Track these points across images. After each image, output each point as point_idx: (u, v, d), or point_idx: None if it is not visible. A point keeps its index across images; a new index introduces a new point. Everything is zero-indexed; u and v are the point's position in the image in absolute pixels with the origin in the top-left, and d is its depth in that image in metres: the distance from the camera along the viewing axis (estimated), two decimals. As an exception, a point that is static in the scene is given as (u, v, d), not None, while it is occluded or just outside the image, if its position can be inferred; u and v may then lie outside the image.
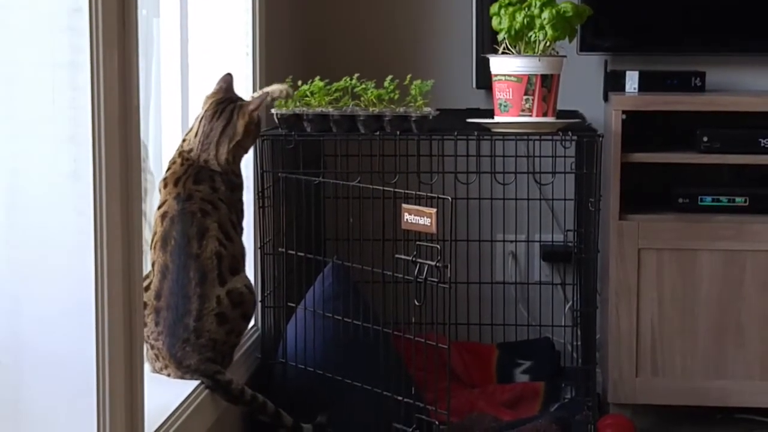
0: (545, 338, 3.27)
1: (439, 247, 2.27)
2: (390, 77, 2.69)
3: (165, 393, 2.23)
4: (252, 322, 2.70)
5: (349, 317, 2.59)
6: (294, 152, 2.69)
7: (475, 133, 2.70)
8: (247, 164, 2.62)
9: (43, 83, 1.69)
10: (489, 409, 2.85)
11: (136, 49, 1.82)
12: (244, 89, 2.67)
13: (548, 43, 2.71)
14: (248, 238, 2.61)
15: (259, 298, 2.71)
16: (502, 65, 2.73)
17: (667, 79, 3.17)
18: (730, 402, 2.96)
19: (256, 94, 2.62)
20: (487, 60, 2.78)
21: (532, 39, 2.71)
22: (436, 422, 2.37)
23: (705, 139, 2.94)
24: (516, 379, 3.15)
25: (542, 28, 2.69)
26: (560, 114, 2.79)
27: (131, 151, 1.82)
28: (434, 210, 2.26)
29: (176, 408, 2.17)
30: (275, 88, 2.61)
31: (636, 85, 3.15)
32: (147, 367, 2.33)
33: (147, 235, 2.40)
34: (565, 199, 3.12)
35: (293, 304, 2.72)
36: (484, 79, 3.10)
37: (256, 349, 2.74)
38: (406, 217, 2.31)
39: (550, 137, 2.72)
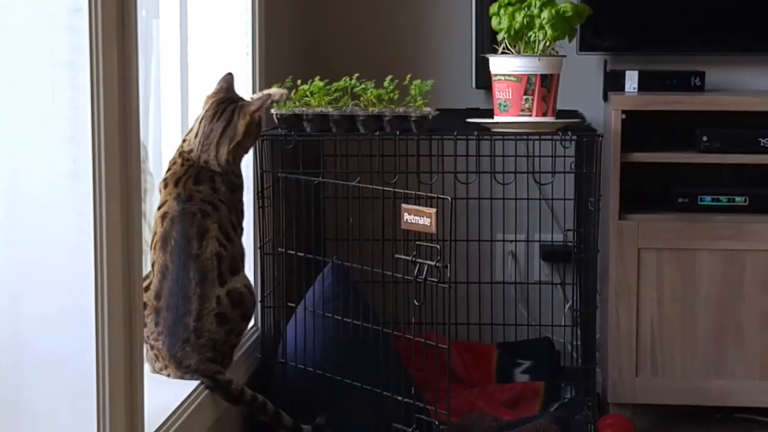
0: (545, 338, 3.27)
1: (438, 247, 2.27)
2: (390, 77, 2.69)
3: (165, 393, 2.23)
4: (252, 322, 2.70)
5: (349, 317, 2.59)
6: (294, 152, 2.69)
7: (475, 133, 2.70)
8: (247, 164, 2.62)
9: (43, 83, 1.69)
10: (489, 408, 2.85)
11: (136, 50, 1.82)
12: (243, 89, 2.67)
13: (548, 43, 2.71)
14: (248, 238, 2.61)
15: (259, 298, 2.71)
16: (501, 65, 2.73)
17: (666, 79, 3.17)
18: (729, 402, 2.96)
19: (257, 95, 2.62)
20: (487, 60, 2.78)
21: (532, 39, 2.71)
22: (436, 422, 2.37)
23: (705, 138, 2.94)
24: (516, 379, 3.15)
25: (542, 27, 2.69)
26: (560, 114, 2.80)
27: (131, 151, 1.82)
28: (434, 210, 2.26)
29: (176, 408, 2.17)
30: (276, 91, 2.61)
31: (635, 85, 3.16)
32: (147, 367, 2.33)
33: (146, 235, 2.40)
34: (564, 199, 3.12)
35: (293, 304, 2.72)
36: (484, 79, 3.10)
37: (256, 349, 2.74)
38: (405, 217, 2.31)
39: (549, 137, 2.72)
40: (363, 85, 2.69)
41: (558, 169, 2.88)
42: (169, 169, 2.46)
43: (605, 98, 3.18)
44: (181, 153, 2.47)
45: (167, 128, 2.70)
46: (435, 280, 2.28)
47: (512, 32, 2.71)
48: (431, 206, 2.29)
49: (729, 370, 2.94)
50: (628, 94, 3.11)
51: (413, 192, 2.41)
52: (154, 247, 2.40)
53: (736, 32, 3.28)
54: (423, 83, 2.67)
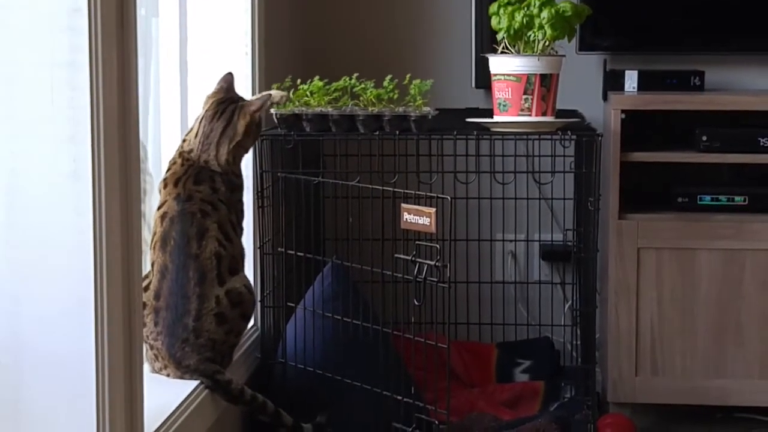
0: (545, 338, 3.27)
1: (438, 246, 2.27)
2: (389, 77, 2.69)
3: (164, 393, 2.23)
4: (251, 322, 2.70)
5: (349, 317, 2.59)
6: (293, 152, 2.69)
7: (475, 132, 2.70)
8: (247, 164, 2.62)
9: (43, 83, 1.70)
10: (488, 408, 2.85)
11: (135, 49, 1.82)
12: (243, 89, 2.67)
13: (547, 43, 2.71)
14: (248, 238, 2.61)
15: (259, 298, 2.71)
16: (501, 65, 2.73)
17: (666, 79, 3.17)
18: (729, 401, 2.96)
19: (257, 96, 2.61)
20: (487, 59, 2.78)
21: (531, 38, 2.71)
22: (436, 422, 2.37)
23: (704, 138, 2.94)
24: (515, 379, 3.15)
25: (541, 27, 2.69)
26: (559, 113, 2.80)
27: (130, 151, 1.82)
28: (434, 209, 2.26)
29: (176, 408, 2.17)
30: (276, 93, 2.61)
31: (635, 85, 3.16)
32: (146, 367, 2.33)
33: (146, 235, 2.40)
34: (564, 199, 3.12)
35: (293, 304, 2.72)
36: (484, 79, 3.10)
37: (256, 348, 2.74)
38: (405, 217, 2.31)
39: (549, 137, 2.72)
40: (362, 85, 2.69)
41: (558, 168, 2.88)
42: (168, 169, 2.46)
43: (605, 98, 3.18)
44: (181, 153, 2.47)
45: (167, 128, 2.70)
46: (435, 279, 2.28)
47: (512, 32, 2.71)
48: (431, 206, 2.29)
49: (729, 370, 2.94)
50: (628, 94, 3.11)
51: (413, 192, 2.41)
52: (154, 247, 2.40)
53: (736, 32, 3.28)
54: (422, 83, 2.67)
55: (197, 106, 2.57)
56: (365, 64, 3.14)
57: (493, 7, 2.75)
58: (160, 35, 2.68)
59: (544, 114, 2.72)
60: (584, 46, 3.24)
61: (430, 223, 2.27)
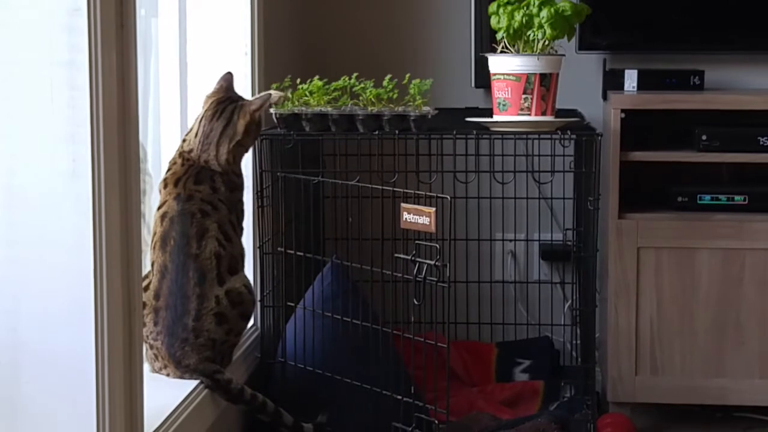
0: (544, 337, 3.27)
1: (438, 246, 2.27)
2: (389, 76, 2.69)
3: (164, 393, 2.24)
4: (251, 322, 2.70)
5: (349, 316, 2.59)
6: (293, 152, 2.69)
7: (474, 132, 2.70)
8: (247, 164, 2.62)
9: (42, 82, 1.70)
10: (488, 408, 2.85)
11: (135, 49, 1.82)
12: (243, 89, 2.67)
13: (547, 42, 2.71)
14: (247, 238, 2.61)
15: (259, 298, 2.71)
16: (500, 64, 2.73)
17: (666, 78, 3.17)
18: (729, 401, 2.96)
19: (258, 95, 2.61)
20: (486, 59, 2.78)
21: (531, 38, 2.71)
22: (436, 421, 2.38)
23: (704, 137, 2.94)
24: (515, 378, 3.15)
25: (541, 26, 2.69)
26: (559, 113, 2.80)
27: (130, 150, 1.82)
28: (433, 209, 2.26)
29: (176, 408, 2.17)
30: (274, 93, 2.61)
31: (635, 84, 3.15)
32: (146, 366, 2.33)
33: (145, 236, 2.40)
34: (564, 198, 3.12)
35: (292, 304, 2.72)
36: (483, 78, 3.10)
37: (256, 348, 2.74)
38: (405, 216, 2.31)
39: (549, 136, 2.72)
40: (362, 85, 2.69)
41: (557, 168, 2.88)
42: (169, 169, 2.46)
43: (604, 97, 3.18)
44: (181, 153, 2.47)
45: (166, 128, 2.70)
46: (434, 279, 2.28)
47: (511, 31, 2.71)
48: (431, 205, 2.29)
49: (728, 369, 2.94)
50: (628, 93, 3.11)
51: (413, 191, 2.41)
52: (154, 247, 2.40)
53: (736, 31, 3.28)
54: (422, 82, 2.67)
55: (197, 106, 2.57)
56: (365, 64, 3.14)
57: (493, 7, 2.75)
58: (160, 35, 2.68)
59: (543, 113, 2.72)
60: (584, 46, 3.24)
61: (430, 222, 2.27)
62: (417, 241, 2.31)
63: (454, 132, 2.69)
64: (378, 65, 3.11)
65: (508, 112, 2.73)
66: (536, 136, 2.75)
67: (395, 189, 2.48)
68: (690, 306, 2.93)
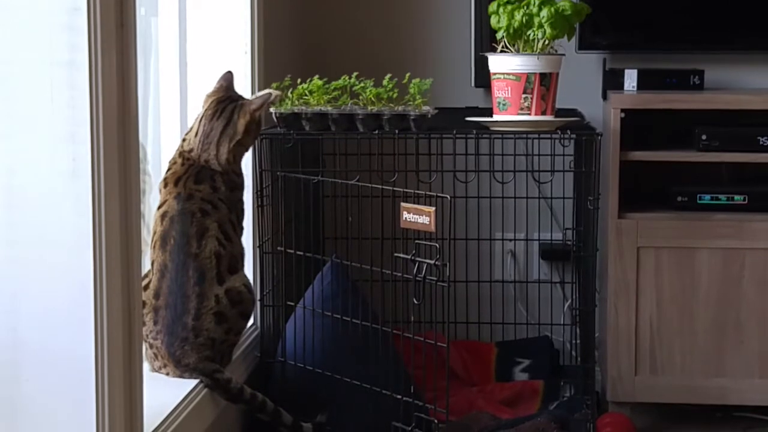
0: (544, 337, 3.27)
1: (438, 245, 2.27)
2: (389, 76, 2.69)
3: (164, 392, 2.24)
4: (251, 321, 2.70)
5: (348, 316, 2.59)
6: (293, 151, 2.69)
7: (474, 131, 2.70)
8: (246, 163, 2.62)
9: (42, 82, 1.69)
10: (488, 407, 2.85)
11: (135, 48, 1.82)
12: (242, 88, 2.67)
13: (547, 42, 2.71)
14: (247, 237, 2.61)
15: (258, 297, 2.71)
16: (500, 64, 2.73)
17: (665, 77, 3.17)
18: (729, 400, 2.96)
19: (258, 94, 2.61)
20: (486, 58, 2.78)
21: (531, 37, 2.71)
22: (435, 421, 2.38)
23: (704, 137, 2.94)
24: (515, 378, 3.15)
25: (541, 26, 2.69)
26: (559, 112, 2.79)
27: (130, 150, 1.82)
28: (433, 208, 2.26)
29: (175, 407, 2.17)
30: (273, 93, 2.61)
31: (635, 84, 3.15)
32: (146, 366, 2.33)
33: (144, 236, 2.39)
34: (563, 198, 3.12)
35: (292, 303, 2.72)
36: (483, 78, 3.10)
37: (255, 347, 2.74)
38: (405, 216, 2.31)
39: (548, 136, 2.72)
40: (362, 84, 2.69)
41: (557, 167, 2.88)
42: (169, 169, 2.46)
43: (604, 97, 3.18)
44: (181, 153, 2.47)
45: (166, 127, 2.70)
46: (434, 278, 2.28)
47: (511, 31, 2.71)
48: (430, 205, 2.29)
49: (728, 369, 2.94)
50: (627, 93, 3.11)
51: (412, 190, 2.41)
52: (154, 246, 2.40)
53: (736, 30, 3.28)
54: (422, 82, 2.67)
55: (197, 106, 2.57)
56: (365, 63, 3.14)
57: (493, 6, 2.75)
58: (160, 34, 2.68)
59: (543, 113, 2.72)
60: (584, 45, 3.24)
61: (430, 222, 2.27)
62: (417, 241, 2.31)
63: (454, 131, 2.69)
64: (378, 65, 3.11)
65: (508, 111, 2.73)
66: (536, 136, 2.75)
67: (395, 188, 2.48)
68: (690, 306, 2.93)
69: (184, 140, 2.49)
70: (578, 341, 2.91)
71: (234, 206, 2.48)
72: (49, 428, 1.75)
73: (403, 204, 2.33)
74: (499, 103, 2.74)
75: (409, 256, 2.31)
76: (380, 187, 2.54)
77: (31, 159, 1.71)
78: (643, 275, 2.93)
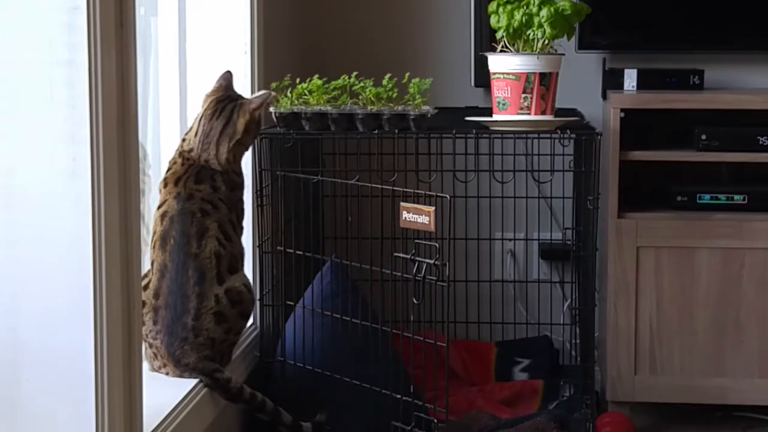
0: (544, 336, 3.27)
1: (437, 245, 2.27)
2: (388, 75, 2.68)
3: (163, 391, 2.24)
4: (251, 321, 2.70)
5: (348, 315, 2.59)
6: (293, 151, 2.69)
7: (474, 131, 2.69)
8: (246, 163, 2.62)
9: (42, 81, 1.69)
10: (487, 407, 2.85)
11: (134, 48, 1.82)
12: (242, 88, 2.67)
13: (546, 41, 2.71)
14: (247, 237, 2.61)
15: (258, 297, 2.71)
16: (500, 63, 2.73)
17: (665, 77, 3.17)
18: (728, 400, 2.96)
19: (257, 93, 2.61)
20: (486, 58, 2.78)
21: (531, 37, 2.71)
22: (435, 420, 2.38)
23: (704, 137, 2.94)
24: (515, 378, 3.15)
25: (541, 26, 2.69)
26: (558, 112, 2.79)
27: (129, 150, 1.82)
28: (433, 208, 2.26)
29: (175, 406, 2.17)
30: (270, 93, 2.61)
31: (634, 83, 3.15)
32: (145, 365, 2.33)
33: (144, 236, 2.39)
34: (563, 198, 3.12)
35: (292, 303, 2.72)
36: (483, 78, 3.10)
37: (255, 347, 2.74)
38: (404, 216, 2.31)
39: (548, 135, 2.72)
40: (362, 84, 2.69)
41: (557, 167, 2.88)
42: (169, 169, 2.46)
43: (604, 96, 3.18)
44: (181, 153, 2.47)
45: (166, 127, 2.70)
46: (434, 278, 2.28)
47: (511, 30, 2.71)
48: (430, 204, 2.29)
49: (728, 369, 2.94)
50: (627, 93, 3.11)
51: (412, 190, 2.41)
52: (154, 246, 2.40)
53: (736, 30, 3.28)
54: (422, 81, 2.67)
55: (196, 105, 2.57)
56: (364, 63, 3.14)
57: (492, 6, 2.75)
58: (160, 34, 2.68)
59: (543, 113, 2.72)
60: (583, 45, 3.24)
61: (430, 221, 2.27)
62: (416, 240, 2.31)
63: (454, 131, 2.69)
64: (378, 64, 3.11)
65: (508, 111, 2.73)
66: (536, 136, 2.75)
67: (395, 188, 2.48)
68: (689, 305, 2.93)
69: (183, 140, 2.49)
70: (578, 341, 2.91)
71: (234, 206, 2.48)
72: (48, 428, 1.75)
73: (402, 204, 2.33)
74: (499, 102, 2.74)
75: (408, 256, 2.31)
76: (380, 186, 2.54)
77: (30, 159, 1.71)
78: (643, 275, 2.93)
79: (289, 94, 2.70)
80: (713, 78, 3.25)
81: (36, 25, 1.69)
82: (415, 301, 2.30)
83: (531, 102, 2.71)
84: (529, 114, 2.72)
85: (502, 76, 2.73)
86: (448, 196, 2.30)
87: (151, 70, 2.65)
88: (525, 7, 2.70)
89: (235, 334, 2.45)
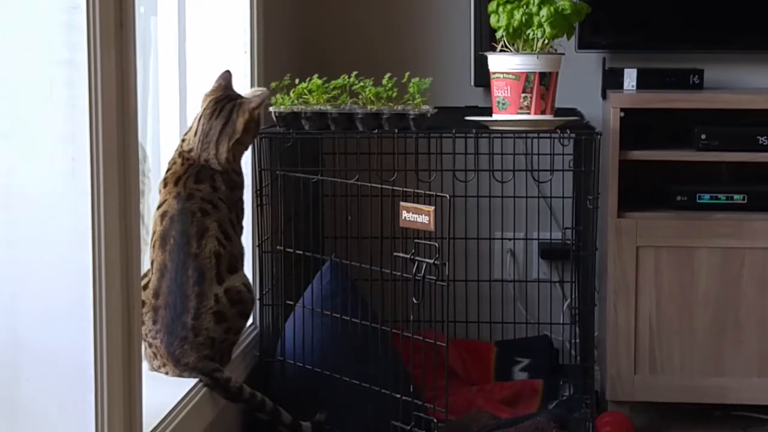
0: (543, 336, 3.28)
1: (437, 244, 2.27)
2: (388, 75, 2.68)
3: (163, 391, 2.24)
4: (250, 320, 2.70)
5: (348, 315, 2.59)
6: (292, 150, 2.69)
7: (474, 130, 2.69)
8: (246, 162, 2.62)
9: (41, 81, 1.69)
10: (487, 406, 2.85)
11: (134, 47, 1.82)
12: (242, 87, 2.67)
13: (546, 41, 2.71)
14: (247, 236, 2.61)
15: (258, 296, 2.71)
16: (500, 63, 2.73)
17: (665, 77, 3.17)
18: (728, 399, 2.96)
19: (255, 91, 2.61)
20: (485, 58, 2.78)
21: (531, 37, 2.71)
22: (435, 420, 2.38)
23: (703, 136, 2.94)
24: (514, 377, 3.15)
25: (540, 25, 2.69)
26: (558, 112, 2.79)
27: (129, 149, 1.82)
28: (432, 208, 2.26)
29: (174, 406, 2.17)
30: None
31: (634, 83, 3.15)
32: (145, 365, 2.33)
33: (144, 235, 2.39)
34: (563, 197, 3.12)
35: (291, 302, 2.72)
36: (483, 77, 3.10)
37: (255, 347, 2.74)
38: (404, 215, 2.31)
39: (548, 135, 2.72)
40: (361, 83, 2.69)
41: (557, 167, 2.88)
42: (168, 170, 2.46)
43: (604, 96, 3.18)
44: (180, 153, 2.47)
45: (165, 127, 2.70)
46: (434, 278, 2.28)
47: (511, 30, 2.71)
48: (430, 204, 2.29)
49: (727, 368, 2.94)
50: (627, 92, 3.11)
51: (412, 190, 2.41)
52: (153, 246, 2.40)
53: (735, 30, 3.28)
54: (421, 81, 2.67)
55: (196, 105, 2.57)
56: (364, 62, 3.14)
57: (492, 5, 2.75)
58: (159, 33, 2.68)
59: (543, 112, 2.72)
60: (583, 45, 3.24)
61: (429, 221, 2.27)
62: (416, 240, 2.31)
63: (454, 131, 2.69)
64: (377, 64, 3.11)
65: (508, 110, 2.73)
66: (535, 135, 2.75)
67: (394, 188, 2.47)
68: (689, 305, 2.93)
69: (183, 140, 2.49)
70: (577, 340, 2.91)
71: (234, 205, 2.48)
72: (48, 427, 1.75)
73: (402, 203, 2.33)
74: (499, 102, 2.74)
75: (408, 256, 2.31)
76: (380, 186, 2.54)
77: (30, 158, 1.71)
78: (643, 274, 2.93)
79: (289, 94, 2.69)
80: (713, 78, 3.25)
81: (36, 24, 1.68)
82: (415, 301, 2.30)
83: (531, 101, 2.71)
84: (528, 113, 2.72)
85: (501, 75, 2.73)
86: (447, 196, 2.30)
87: (150, 70, 2.65)
88: (525, 7, 2.70)
89: (234, 334, 2.45)
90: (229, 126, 2.47)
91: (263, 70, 2.81)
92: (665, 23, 3.29)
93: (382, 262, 2.52)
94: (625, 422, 2.82)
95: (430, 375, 2.42)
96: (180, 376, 2.35)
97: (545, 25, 2.68)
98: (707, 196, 2.97)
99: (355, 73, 2.72)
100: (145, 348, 2.36)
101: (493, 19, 2.75)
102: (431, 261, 2.27)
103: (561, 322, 3.30)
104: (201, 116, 2.49)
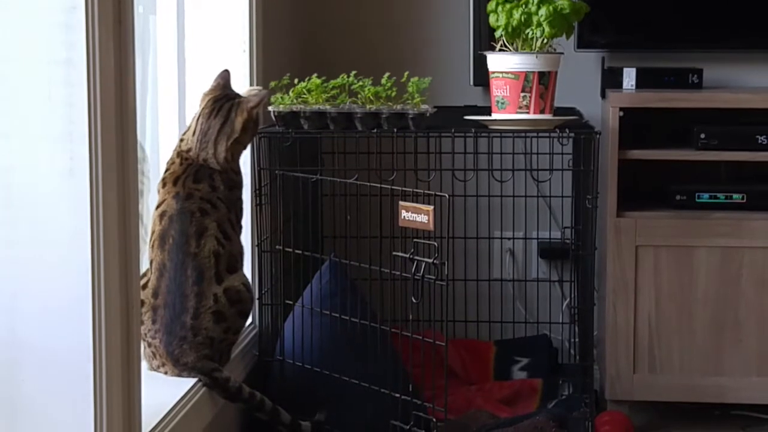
0: (543, 335, 3.27)
1: (436, 244, 2.27)
2: (387, 74, 2.68)
3: (162, 391, 2.23)
4: (249, 320, 2.70)
5: (347, 314, 2.59)
6: (291, 149, 2.69)
7: (473, 130, 2.69)
8: (245, 162, 2.62)
9: (39, 80, 1.69)
10: (486, 406, 2.85)
11: (133, 46, 1.82)
12: (241, 87, 2.67)
13: (545, 40, 2.71)
14: (246, 236, 2.61)
15: (257, 296, 2.71)
16: (499, 62, 2.73)
17: (664, 76, 3.17)
18: (727, 398, 2.96)
19: (254, 90, 2.61)
20: (485, 57, 2.78)
21: (530, 36, 2.71)
22: (434, 419, 2.37)
23: (702, 136, 2.94)
24: (513, 376, 3.15)
25: (539, 25, 2.69)
26: (557, 111, 2.79)
27: (128, 148, 1.81)
28: (432, 207, 2.26)
29: (173, 406, 2.17)
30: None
31: (633, 82, 3.15)
32: (144, 365, 2.33)
33: (143, 235, 2.39)
34: (562, 196, 3.12)
35: (291, 302, 2.72)
36: (482, 76, 3.10)
37: (254, 346, 2.74)
38: (403, 215, 2.31)
39: (547, 134, 2.72)
40: (361, 83, 2.69)
41: (556, 166, 2.88)
42: (167, 170, 2.46)
43: (603, 95, 3.18)
44: (179, 153, 2.47)
45: (164, 126, 2.70)
46: (433, 277, 2.28)
47: (510, 29, 2.71)
48: (429, 203, 2.29)
49: (726, 367, 2.94)
50: (626, 92, 3.11)
51: (411, 189, 2.41)
52: (152, 245, 2.40)
53: (734, 29, 3.28)
54: (421, 80, 2.67)
55: (195, 104, 2.57)
56: (363, 62, 3.14)
57: (491, 5, 2.75)
58: (158, 32, 2.68)
59: (542, 111, 2.72)
60: (582, 44, 3.24)
61: (429, 220, 2.27)
62: (415, 240, 2.31)
63: (453, 130, 2.69)
64: (377, 63, 3.11)
65: (507, 110, 2.73)
66: (535, 135, 2.75)
67: (394, 187, 2.47)
68: (688, 304, 2.93)
69: (181, 140, 2.49)
70: (577, 340, 2.91)
71: (233, 205, 2.48)
72: (47, 427, 1.74)
73: (401, 203, 2.33)
74: (498, 101, 2.74)
75: (407, 255, 2.31)
76: (379, 185, 2.54)
77: (28, 157, 1.71)
78: (642, 274, 2.93)
79: (288, 93, 2.69)
80: (712, 77, 3.25)
81: (34, 23, 1.68)
82: (414, 300, 2.30)
83: (530, 101, 2.71)
84: (528, 113, 2.71)
85: (501, 74, 2.73)
86: (447, 195, 2.30)
87: (149, 69, 2.65)
88: (524, 6, 2.70)
89: (233, 334, 2.45)
90: (228, 125, 2.47)
91: (262, 69, 2.81)
92: (664, 23, 3.29)
93: (382, 262, 2.52)
94: (624, 421, 2.82)
95: (430, 374, 2.42)
96: (179, 375, 2.34)
97: (544, 24, 2.68)
98: (706, 195, 2.97)
99: (354, 72, 2.72)
100: (144, 347, 2.36)
101: (492, 19, 2.74)
102: (430, 260, 2.27)
103: (560, 321, 3.30)
104: (199, 116, 2.48)
